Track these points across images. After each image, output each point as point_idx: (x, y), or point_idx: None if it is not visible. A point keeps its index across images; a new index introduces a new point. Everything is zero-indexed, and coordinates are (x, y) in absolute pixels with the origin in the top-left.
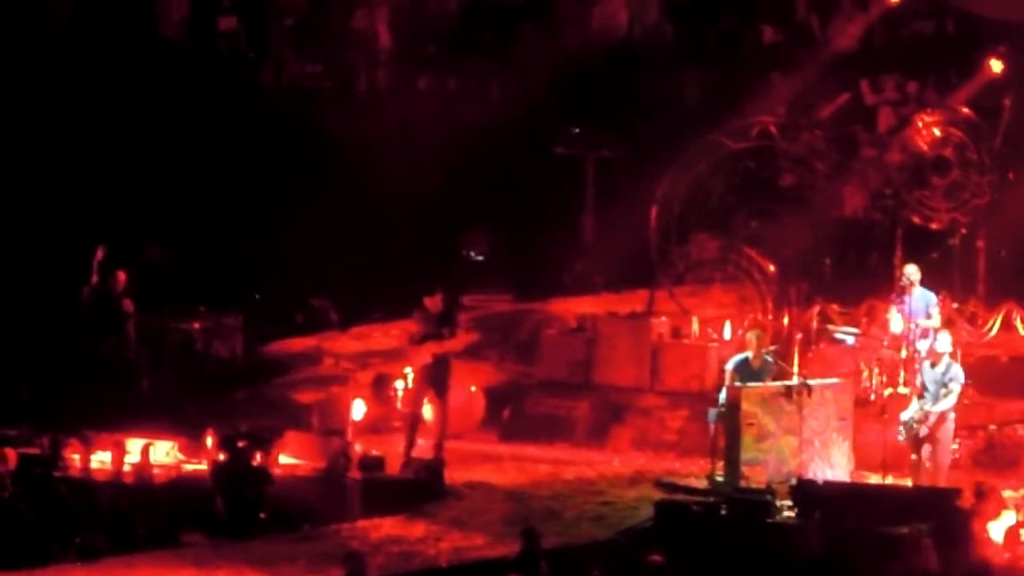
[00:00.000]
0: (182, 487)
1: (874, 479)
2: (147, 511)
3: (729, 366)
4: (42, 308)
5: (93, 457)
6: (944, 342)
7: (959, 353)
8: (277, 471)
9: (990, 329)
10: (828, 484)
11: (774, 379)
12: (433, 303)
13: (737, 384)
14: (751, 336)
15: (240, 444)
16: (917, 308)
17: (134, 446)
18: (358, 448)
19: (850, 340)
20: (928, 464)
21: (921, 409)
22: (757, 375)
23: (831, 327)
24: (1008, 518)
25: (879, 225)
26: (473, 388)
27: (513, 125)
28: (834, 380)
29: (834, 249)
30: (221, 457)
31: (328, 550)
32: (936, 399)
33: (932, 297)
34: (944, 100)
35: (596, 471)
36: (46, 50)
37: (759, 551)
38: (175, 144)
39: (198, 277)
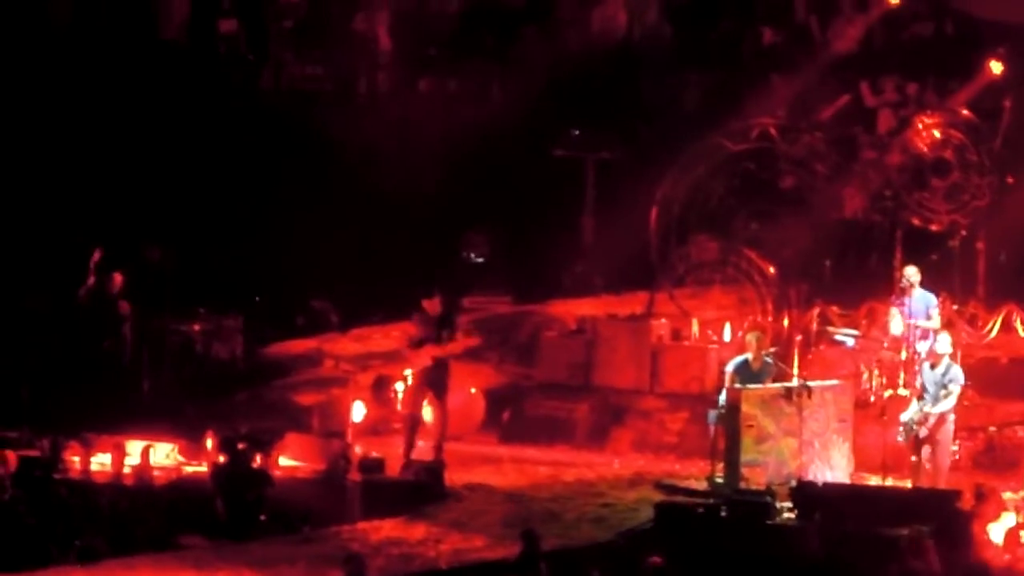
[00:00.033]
0: (182, 489)
1: (874, 481)
2: (147, 513)
3: (729, 368)
4: (43, 310)
5: (93, 459)
6: (944, 343)
7: (959, 354)
8: (277, 473)
9: (990, 331)
10: (828, 486)
11: (774, 381)
12: (432, 306)
13: (737, 386)
14: (751, 338)
15: (240, 446)
16: (917, 310)
17: (134, 448)
18: (358, 450)
19: (850, 342)
20: (928, 465)
21: (921, 410)
22: (757, 377)
23: (831, 329)
24: (1008, 520)
25: (879, 227)
26: (473, 390)
27: (513, 127)
28: (834, 382)
29: (834, 251)
30: (221, 459)
31: (328, 552)
32: (936, 400)
33: (932, 299)
34: (944, 102)
35: (596, 473)
36: (46, 51)
37: (759, 553)
38: (175, 146)
39: (198, 279)
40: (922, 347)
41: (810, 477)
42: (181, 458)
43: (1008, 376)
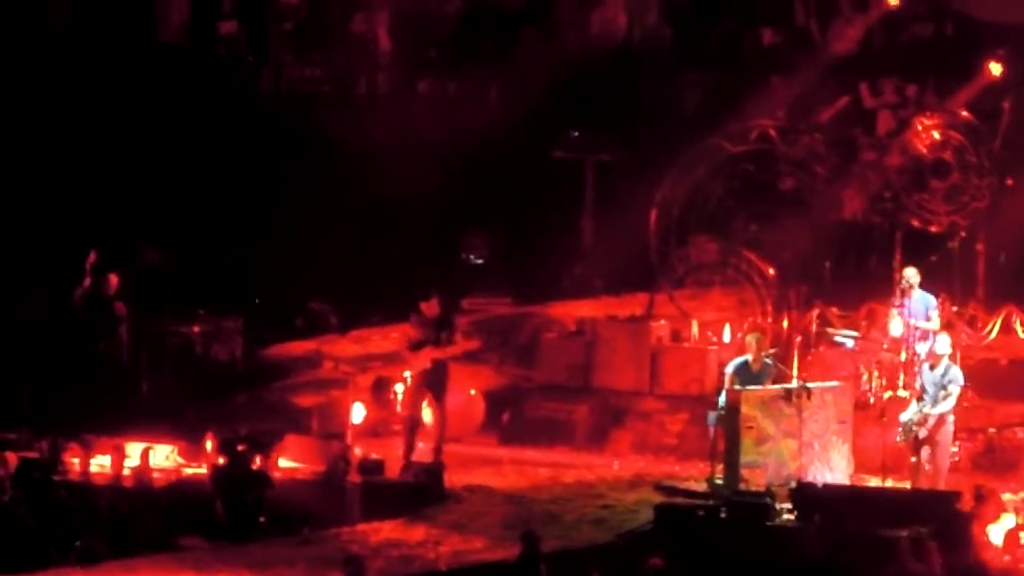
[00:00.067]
0: (182, 491)
1: (874, 482)
2: (147, 515)
3: (729, 369)
4: (42, 312)
5: (93, 461)
6: (943, 344)
7: (958, 356)
8: (277, 475)
9: (989, 332)
10: (828, 487)
11: (774, 382)
12: (429, 308)
13: (737, 387)
14: (751, 339)
15: (240, 448)
16: (917, 311)
17: (134, 450)
18: (358, 452)
19: (849, 343)
20: (927, 467)
21: (920, 411)
22: (757, 378)
23: (830, 330)
24: (1008, 521)
25: (878, 228)
26: (473, 391)
27: (513, 129)
28: (834, 383)
29: (833, 252)
30: (221, 461)
31: (328, 554)
32: (935, 401)
33: (932, 300)
34: (943, 103)
35: (596, 474)
36: (46, 53)
37: (759, 554)
38: (174, 147)
39: (198, 280)
40: (922, 348)
41: (810, 478)
42: (181, 460)
43: (1008, 377)
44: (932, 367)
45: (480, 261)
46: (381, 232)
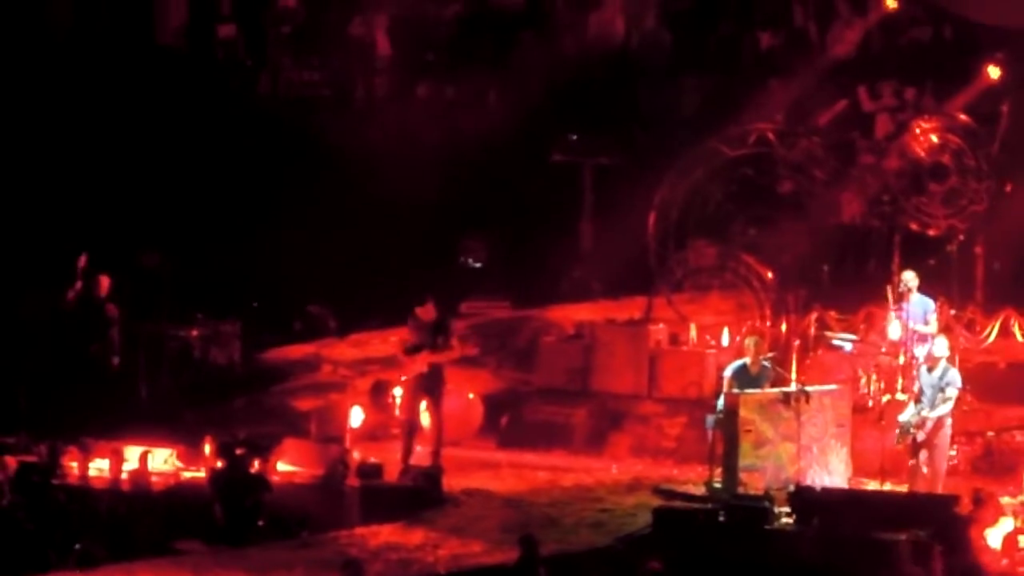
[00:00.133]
0: (180, 494)
1: (872, 485)
2: (145, 518)
3: (727, 373)
4: (40, 316)
5: (91, 464)
6: (941, 346)
7: (956, 359)
8: (275, 478)
9: (988, 335)
10: (826, 490)
11: (772, 385)
12: (425, 312)
13: (735, 391)
14: (749, 343)
15: (238, 451)
16: (915, 314)
17: (132, 453)
18: (356, 455)
19: (848, 347)
20: (925, 470)
21: (918, 414)
22: (755, 381)
23: (829, 333)
24: (1006, 525)
25: (877, 232)
26: (471, 395)
27: (511, 132)
28: (832, 386)
29: (832, 256)
30: (219, 464)
31: (326, 557)
32: (933, 404)
33: (930, 303)
34: (942, 106)
35: (594, 478)
36: (45, 56)
37: (757, 558)
38: (173, 151)
39: (196, 284)
40: (920, 351)
41: (808, 482)
42: (179, 463)
43: (1006, 381)
44: (930, 369)
45: (478, 264)
46: (379, 236)
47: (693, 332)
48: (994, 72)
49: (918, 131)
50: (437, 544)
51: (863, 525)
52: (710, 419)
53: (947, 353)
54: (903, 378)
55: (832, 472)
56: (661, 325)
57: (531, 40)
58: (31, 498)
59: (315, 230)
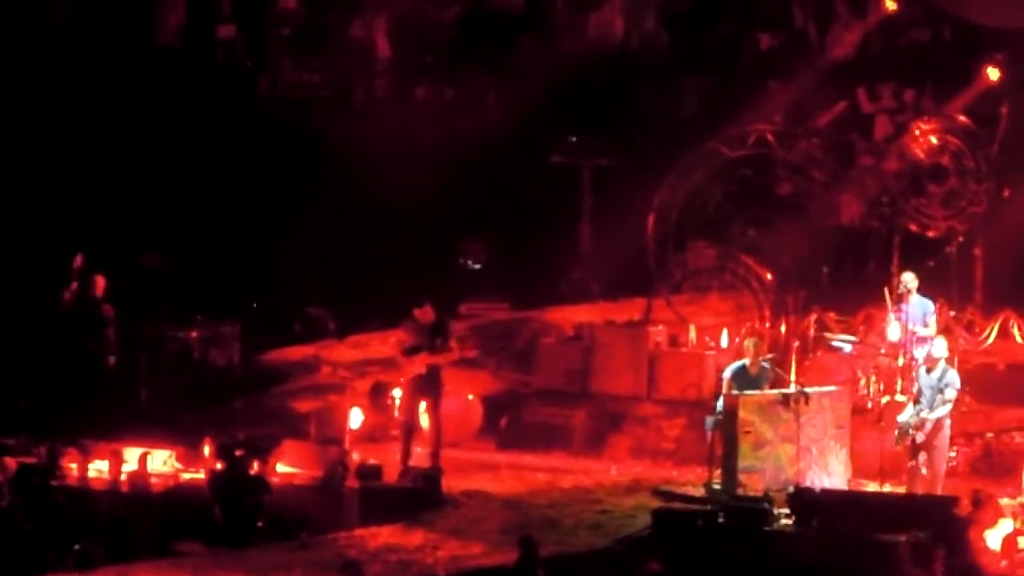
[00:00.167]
0: (179, 496)
1: (871, 487)
2: (145, 520)
3: (726, 374)
4: (39, 317)
5: (91, 466)
6: (940, 347)
7: (956, 360)
8: (275, 480)
9: (987, 337)
10: (825, 492)
11: (771, 387)
12: (423, 314)
13: (734, 392)
14: (748, 344)
15: (237, 453)
16: (914, 316)
17: (131, 455)
18: (355, 457)
19: (847, 348)
20: (925, 471)
21: (917, 415)
22: (754, 383)
23: (828, 335)
24: (1005, 526)
25: (876, 233)
26: (470, 396)
27: (510, 134)
28: (831, 388)
29: (831, 257)
30: (218, 466)
31: (326, 559)
32: (932, 405)
33: (929, 305)
34: (941, 108)
35: (593, 479)
36: (44, 57)
37: (756, 559)
38: (172, 152)
39: (195, 285)
40: (919, 353)
41: (807, 483)
42: (178, 465)
43: (1005, 382)
44: (929, 370)
45: (478, 266)
46: (379, 237)
47: (692, 333)
48: (993, 74)
49: (917, 133)
50: (436, 545)
51: (862, 526)
52: (709, 420)
53: (946, 354)
54: (902, 379)
55: (831, 473)
56: (660, 326)
57: (530, 42)
58: (30, 499)
59: (315, 231)
